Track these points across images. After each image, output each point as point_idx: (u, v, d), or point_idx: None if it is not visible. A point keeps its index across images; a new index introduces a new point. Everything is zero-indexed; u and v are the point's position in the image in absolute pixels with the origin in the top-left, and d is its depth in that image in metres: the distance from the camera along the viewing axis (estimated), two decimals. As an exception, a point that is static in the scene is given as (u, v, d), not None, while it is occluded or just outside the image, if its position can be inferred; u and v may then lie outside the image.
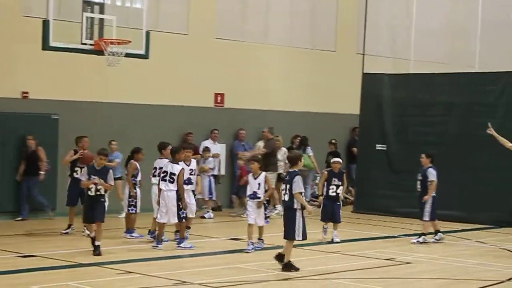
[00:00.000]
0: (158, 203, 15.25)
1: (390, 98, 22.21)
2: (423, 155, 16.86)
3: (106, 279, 12.30)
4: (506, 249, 16.20)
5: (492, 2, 23.28)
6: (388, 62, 24.12)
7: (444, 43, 25.33)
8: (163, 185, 15.13)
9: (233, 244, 16.06)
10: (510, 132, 18.15)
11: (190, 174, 15.61)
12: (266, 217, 15.16)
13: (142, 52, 17.72)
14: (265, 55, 23.56)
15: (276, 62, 23.85)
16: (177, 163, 15.24)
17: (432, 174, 16.61)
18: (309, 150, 22.38)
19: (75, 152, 16.86)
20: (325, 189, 16.65)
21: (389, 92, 22.24)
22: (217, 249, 15.69)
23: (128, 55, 17.29)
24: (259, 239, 15.17)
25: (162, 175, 15.20)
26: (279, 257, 13.17)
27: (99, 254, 14.12)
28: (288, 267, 13.02)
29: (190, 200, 15.52)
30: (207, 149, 20.67)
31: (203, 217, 19.85)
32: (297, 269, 13.01)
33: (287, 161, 21.34)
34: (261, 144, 21.61)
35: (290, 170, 13.29)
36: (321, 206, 16.82)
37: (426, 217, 16.63)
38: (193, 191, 15.81)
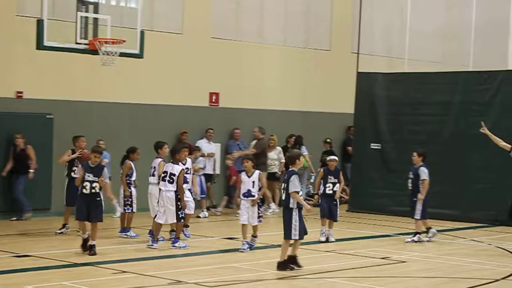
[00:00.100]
0: None
1: (384, 97, 22.23)
2: (414, 154, 16.77)
3: (101, 279, 12.28)
4: (501, 248, 16.22)
5: (486, 1, 23.33)
6: (382, 61, 24.17)
7: (438, 42, 25.39)
8: (162, 185, 15.14)
9: (228, 244, 16.05)
10: (504, 130, 18.20)
11: (186, 173, 15.64)
12: (259, 216, 15.15)
13: (136, 51, 17.73)
14: (260, 54, 23.57)
15: (271, 62, 23.87)
16: (178, 164, 15.25)
17: (424, 173, 16.54)
18: (304, 150, 22.37)
19: (73, 151, 16.82)
20: (321, 188, 16.59)
21: (384, 91, 22.25)
22: (212, 248, 15.70)
23: (122, 54, 17.29)
24: (253, 236, 15.15)
25: (162, 175, 15.21)
26: (291, 260, 13.12)
27: (94, 254, 14.09)
28: (284, 265, 13.02)
29: (186, 197, 15.56)
30: (197, 149, 20.66)
31: (198, 217, 19.86)
32: (292, 268, 13.01)
33: (282, 160, 21.66)
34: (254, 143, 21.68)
35: (289, 169, 13.30)
36: (319, 204, 16.73)
37: (418, 216, 16.61)
38: (189, 189, 15.89)
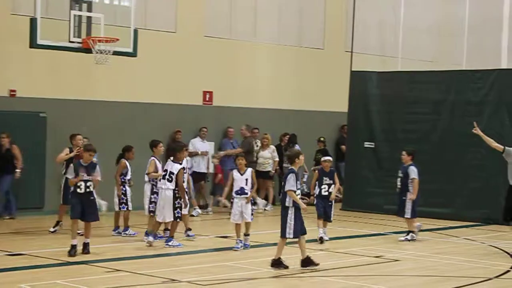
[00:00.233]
0: None
1: (378, 96, 22.25)
2: (404, 153, 16.70)
3: (94, 277, 12.28)
4: (494, 246, 16.25)
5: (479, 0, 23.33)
6: (376, 60, 24.16)
7: (431, 40, 25.39)
8: (162, 184, 15.16)
9: (222, 242, 16.06)
10: (497, 129, 18.24)
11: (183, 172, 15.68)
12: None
13: (130, 50, 17.70)
14: (254, 53, 23.58)
15: (264, 60, 23.87)
16: (178, 163, 15.25)
17: (413, 172, 16.47)
18: (297, 148, 22.37)
19: (70, 150, 16.73)
20: (317, 189, 16.52)
21: (377, 90, 22.28)
22: (206, 247, 15.70)
23: (116, 53, 17.26)
24: (245, 235, 15.14)
25: (163, 173, 15.25)
26: (307, 262, 13.12)
27: (87, 252, 14.07)
28: (278, 264, 13.03)
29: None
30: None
31: (192, 215, 19.84)
32: (286, 267, 13.02)
33: (276, 159, 21.67)
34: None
35: (289, 168, 13.31)
36: (315, 205, 16.63)
37: (408, 215, 16.60)
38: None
